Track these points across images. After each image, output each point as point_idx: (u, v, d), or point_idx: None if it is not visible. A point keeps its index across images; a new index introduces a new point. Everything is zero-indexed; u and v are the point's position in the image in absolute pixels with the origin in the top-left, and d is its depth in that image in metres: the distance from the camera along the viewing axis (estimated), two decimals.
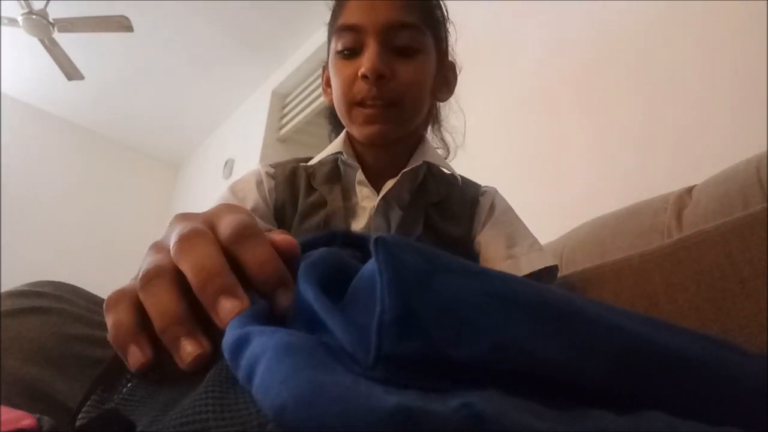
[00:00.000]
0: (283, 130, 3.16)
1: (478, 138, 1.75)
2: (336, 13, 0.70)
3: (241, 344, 0.23)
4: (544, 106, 1.58)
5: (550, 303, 0.21)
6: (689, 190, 0.85)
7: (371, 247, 0.21)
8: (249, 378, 0.21)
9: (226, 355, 0.23)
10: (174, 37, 3.11)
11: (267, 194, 0.71)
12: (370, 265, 0.23)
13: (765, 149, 0.76)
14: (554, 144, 1.50)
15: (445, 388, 0.17)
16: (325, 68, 0.77)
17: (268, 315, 0.27)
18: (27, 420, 0.27)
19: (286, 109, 3.23)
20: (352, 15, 0.66)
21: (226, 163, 3.49)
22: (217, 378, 0.23)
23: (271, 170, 0.74)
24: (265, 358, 0.20)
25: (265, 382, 0.19)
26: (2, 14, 2.65)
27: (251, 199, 0.70)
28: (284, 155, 3.10)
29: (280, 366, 0.19)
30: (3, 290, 0.46)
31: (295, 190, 0.72)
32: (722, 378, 0.21)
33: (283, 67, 3.23)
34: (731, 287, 0.51)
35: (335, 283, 0.27)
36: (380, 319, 0.19)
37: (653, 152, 1.23)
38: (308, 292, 0.25)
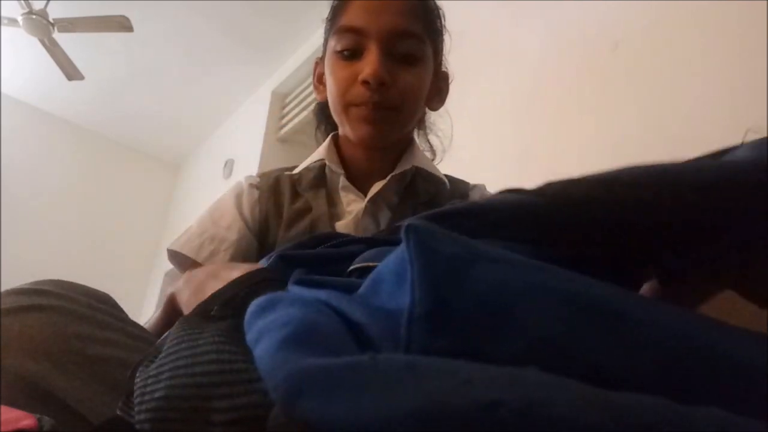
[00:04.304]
0: (283, 130, 3.16)
1: (476, 138, 1.75)
2: (337, 12, 0.69)
3: (265, 307, 0.22)
4: (542, 106, 1.58)
5: (594, 298, 0.20)
6: None
7: (402, 234, 0.20)
8: (255, 343, 0.20)
9: (248, 313, 0.23)
10: (174, 37, 3.11)
11: (250, 208, 0.71)
12: (399, 253, 0.22)
13: None
14: (553, 144, 1.50)
15: None
16: (317, 63, 0.76)
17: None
18: (27, 420, 0.27)
19: (286, 109, 3.23)
20: (355, 17, 0.65)
21: (226, 163, 3.48)
22: (225, 336, 0.23)
23: (256, 181, 0.74)
24: (275, 335, 0.20)
25: (266, 360, 0.19)
26: (2, 14, 2.65)
27: (228, 218, 0.70)
28: (284, 155, 3.11)
29: (287, 351, 0.19)
30: (3, 289, 0.46)
31: (279, 198, 0.72)
32: None
33: (283, 67, 3.23)
34: None
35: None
36: (410, 313, 0.18)
37: (653, 152, 1.23)
38: (319, 293, 0.24)
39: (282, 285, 0.31)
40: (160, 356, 0.24)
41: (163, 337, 0.30)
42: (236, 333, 0.24)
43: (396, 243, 0.35)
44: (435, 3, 0.73)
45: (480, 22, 1.86)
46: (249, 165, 3.14)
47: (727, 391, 0.18)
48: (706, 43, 1.20)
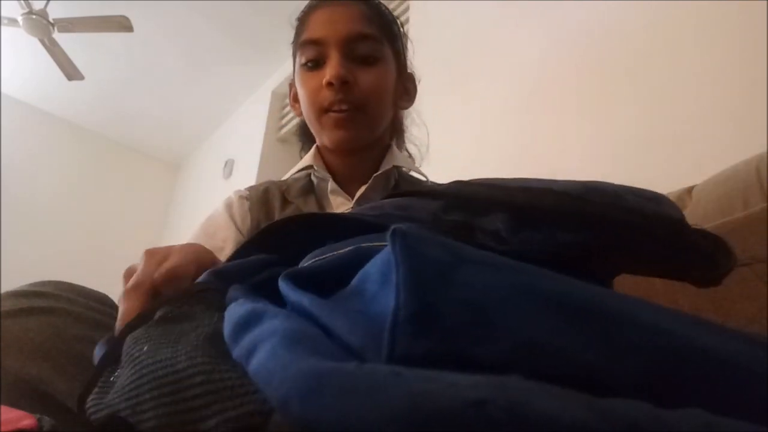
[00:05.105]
0: (283, 130, 3.16)
1: (476, 138, 1.75)
2: (299, 31, 0.75)
3: (250, 320, 0.22)
4: (542, 106, 1.58)
5: (581, 299, 0.20)
6: (689, 190, 0.85)
7: (388, 238, 0.20)
8: (248, 356, 0.20)
9: (228, 326, 0.23)
10: (174, 37, 3.11)
11: (241, 219, 0.73)
12: (383, 256, 0.22)
13: (765, 149, 0.76)
14: (553, 144, 1.50)
15: None
16: (291, 85, 0.81)
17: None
18: (27, 420, 0.27)
19: (286, 109, 3.23)
20: (314, 30, 0.70)
21: (226, 163, 3.48)
22: (207, 348, 0.23)
23: (245, 193, 0.77)
24: (269, 343, 0.20)
25: (267, 367, 0.19)
26: (2, 14, 2.65)
27: (222, 232, 0.72)
28: (284, 155, 3.11)
29: (285, 355, 0.19)
30: (3, 290, 0.46)
31: (269, 207, 0.74)
32: (762, 379, 0.19)
33: (283, 67, 3.23)
34: (731, 287, 0.51)
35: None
36: (395, 315, 0.17)
37: (653, 152, 1.23)
38: (303, 298, 0.24)
39: (219, 294, 0.31)
40: (131, 382, 0.23)
41: (102, 356, 0.29)
42: (214, 345, 0.23)
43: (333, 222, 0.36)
44: (387, 9, 0.77)
45: (481, 22, 1.86)
46: (249, 165, 3.15)
47: (715, 391, 0.18)
48: (707, 43, 1.20)
